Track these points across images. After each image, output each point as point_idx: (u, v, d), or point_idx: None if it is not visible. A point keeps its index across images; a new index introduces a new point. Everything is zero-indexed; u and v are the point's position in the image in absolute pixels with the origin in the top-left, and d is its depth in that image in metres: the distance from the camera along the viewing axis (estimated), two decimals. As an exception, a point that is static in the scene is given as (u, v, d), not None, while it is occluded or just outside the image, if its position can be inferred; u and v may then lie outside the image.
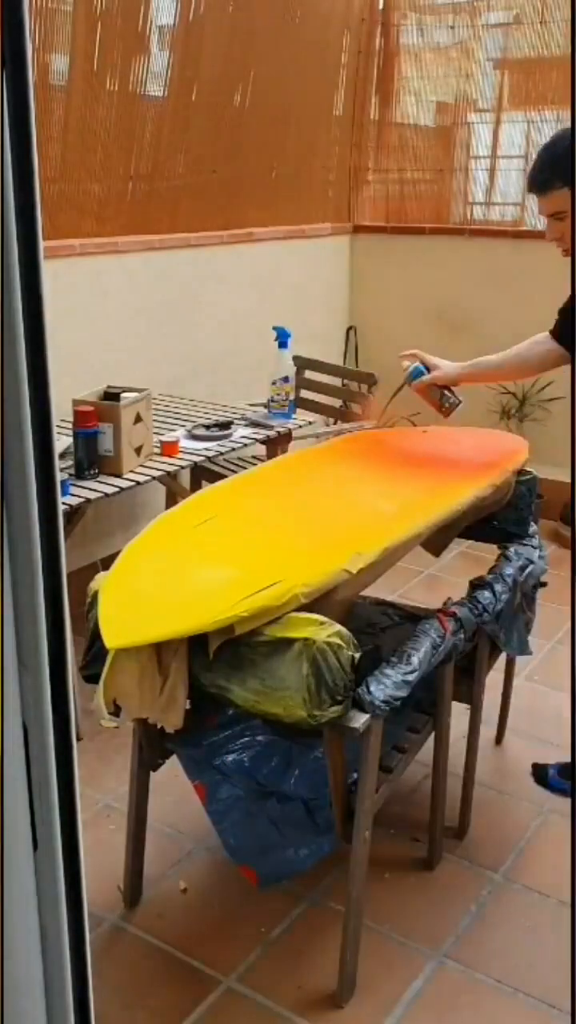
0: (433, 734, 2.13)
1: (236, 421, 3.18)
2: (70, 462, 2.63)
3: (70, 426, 2.62)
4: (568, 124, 3.83)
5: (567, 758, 2.56)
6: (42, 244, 0.68)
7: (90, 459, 2.61)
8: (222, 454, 3.03)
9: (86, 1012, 0.85)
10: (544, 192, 2.07)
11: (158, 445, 2.85)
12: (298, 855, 1.92)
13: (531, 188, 2.13)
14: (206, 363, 3.96)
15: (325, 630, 1.58)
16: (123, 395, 2.71)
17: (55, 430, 0.74)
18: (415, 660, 1.76)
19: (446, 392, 2.41)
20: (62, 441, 2.66)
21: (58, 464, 0.73)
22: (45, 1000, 0.81)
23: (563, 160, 2.01)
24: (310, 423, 3.35)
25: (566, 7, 4.07)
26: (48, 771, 0.75)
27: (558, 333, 2.23)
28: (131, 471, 2.69)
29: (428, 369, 2.39)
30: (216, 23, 3.71)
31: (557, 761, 2.55)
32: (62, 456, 2.66)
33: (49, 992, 0.80)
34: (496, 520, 2.39)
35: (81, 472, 2.60)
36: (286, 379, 3.26)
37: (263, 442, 3.18)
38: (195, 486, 3.41)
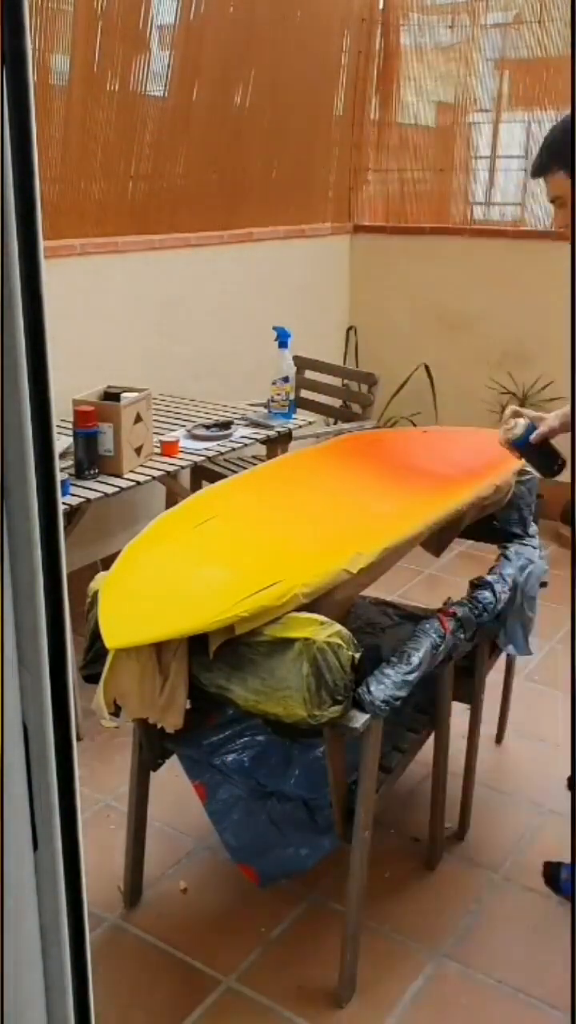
0: (433, 734, 2.13)
1: (236, 421, 3.18)
2: (70, 462, 2.63)
3: (70, 426, 2.62)
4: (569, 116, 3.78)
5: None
6: (42, 244, 0.68)
7: (90, 459, 2.61)
8: (222, 454, 3.03)
9: (86, 1012, 0.85)
10: (542, 176, 2.03)
11: (158, 445, 2.85)
12: (299, 854, 1.92)
13: (532, 173, 2.09)
14: (206, 363, 3.96)
15: (325, 630, 1.58)
16: (123, 395, 2.71)
17: (55, 430, 0.74)
18: (415, 660, 1.76)
19: (554, 449, 2.15)
20: (62, 441, 2.67)
21: (58, 464, 0.73)
22: (45, 1000, 0.81)
23: (559, 144, 1.96)
24: (310, 423, 3.35)
25: (566, 7, 4.07)
26: (48, 771, 0.75)
27: None
28: (131, 471, 2.69)
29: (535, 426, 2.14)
30: (216, 23, 3.71)
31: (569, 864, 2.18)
32: (62, 456, 2.66)
33: (49, 992, 0.80)
34: (496, 520, 2.39)
35: (81, 472, 2.61)
36: (286, 379, 3.26)
37: (263, 442, 3.18)
38: (195, 486, 3.41)
